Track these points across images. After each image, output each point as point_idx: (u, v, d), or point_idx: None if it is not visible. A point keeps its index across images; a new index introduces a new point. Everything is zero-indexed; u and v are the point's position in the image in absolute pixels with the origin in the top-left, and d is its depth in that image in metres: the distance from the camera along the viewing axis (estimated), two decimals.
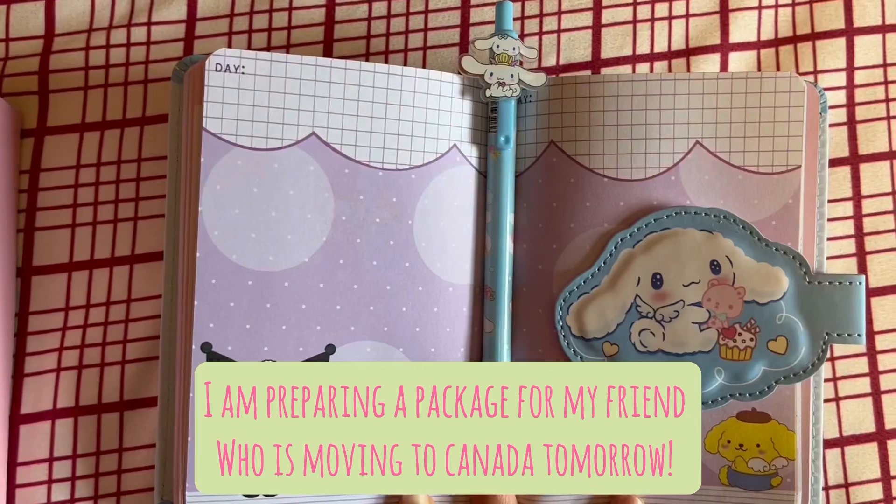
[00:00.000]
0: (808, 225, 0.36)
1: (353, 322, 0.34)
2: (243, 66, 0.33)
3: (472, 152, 0.36)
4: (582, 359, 0.35)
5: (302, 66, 0.34)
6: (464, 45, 0.41)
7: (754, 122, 0.36)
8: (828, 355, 0.36)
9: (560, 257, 0.36)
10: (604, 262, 0.36)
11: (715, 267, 0.35)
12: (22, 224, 0.39)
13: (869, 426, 0.39)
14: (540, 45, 0.42)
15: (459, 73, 0.35)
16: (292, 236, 0.34)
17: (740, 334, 0.35)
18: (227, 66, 0.33)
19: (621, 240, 0.36)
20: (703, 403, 0.35)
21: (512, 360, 0.36)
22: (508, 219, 0.36)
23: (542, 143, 0.36)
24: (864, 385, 0.40)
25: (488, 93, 0.35)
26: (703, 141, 0.36)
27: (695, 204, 0.35)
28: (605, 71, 0.41)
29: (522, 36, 0.42)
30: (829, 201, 0.40)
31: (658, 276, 0.35)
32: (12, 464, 0.38)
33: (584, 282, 0.36)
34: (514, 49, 0.36)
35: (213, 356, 0.33)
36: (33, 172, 0.40)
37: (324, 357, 0.34)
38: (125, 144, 0.40)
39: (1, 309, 0.37)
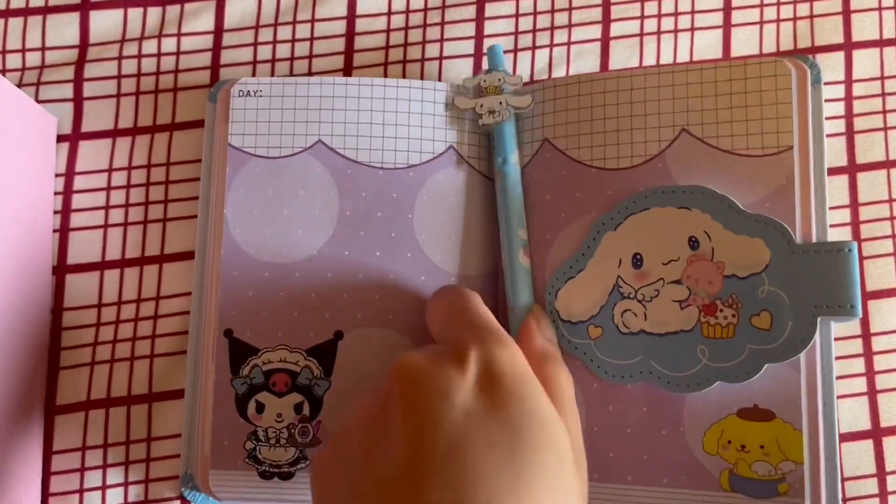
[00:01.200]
0: (805, 202, 0.35)
1: (359, 309, 0.37)
2: (261, 90, 0.38)
3: (467, 152, 0.39)
4: (570, 342, 0.36)
5: (309, 85, 0.38)
6: (478, 56, 0.43)
7: (741, 106, 0.35)
8: (818, 330, 0.33)
9: (553, 247, 0.37)
10: (588, 247, 0.36)
11: (693, 243, 0.35)
12: (57, 225, 0.41)
13: (865, 424, 0.41)
14: (550, 55, 0.43)
15: (453, 105, 0.39)
16: (302, 231, 0.37)
17: (721, 310, 0.34)
18: (248, 91, 0.38)
19: (603, 223, 0.36)
20: (686, 387, 0.34)
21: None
22: (518, 235, 0.37)
23: (538, 142, 0.38)
24: (860, 384, 0.41)
25: (481, 122, 0.38)
26: (689, 128, 0.36)
27: None
28: None
29: (533, 49, 0.44)
30: (829, 209, 0.42)
31: (638, 256, 0.35)
32: (48, 452, 0.40)
33: (571, 266, 0.36)
34: (499, 80, 0.39)
35: (234, 341, 0.37)
36: (68, 176, 0.42)
37: (333, 342, 0.37)
38: (155, 149, 0.42)
39: (37, 306, 0.39)
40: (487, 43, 0.43)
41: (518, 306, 0.37)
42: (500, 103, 0.38)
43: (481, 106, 0.38)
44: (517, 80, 0.39)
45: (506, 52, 0.43)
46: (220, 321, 0.36)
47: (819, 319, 0.33)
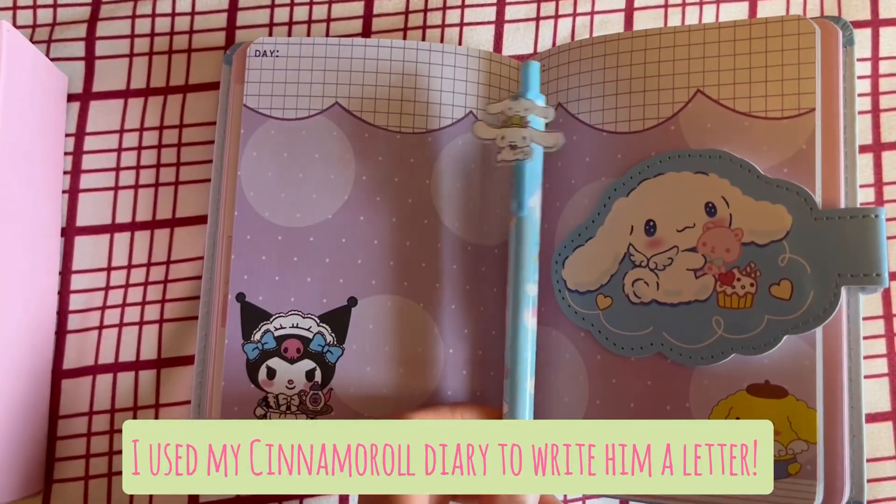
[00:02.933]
0: (828, 170, 0.33)
1: (373, 276, 0.36)
2: (277, 51, 0.37)
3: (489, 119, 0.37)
4: (576, 313, 0.35)
5: (327, 45, 0.37)
6: (499, 23, 0.42)
7: (760, 66, 0.34)
8: (846, 303, 0.32)
9: (562, 214, 0.36)
10: (598, 213, 0.35)
11: (710, 209, 0.33)
12: (67, 185, 0.40)
13: (885, 405, 0.40)
14: (573, 25, 0.43)
15: (473, 134, 0.35)
16: (317, 195, 0.36)
17: (739, 279, 0.32)
18: (265, 51, 0.37)
19: (615, 189, 0.35)
20: (700, 359, 0.33)
21: None
22: (527, 291, 0.33)
23: (551, 108, 0.37)
24: (881, 365, 0.41)
25: (499, 157, 0.34)
26: (704, 89, 0.34)
27: None
28: None
29: (556, 17, 0.43)
30: None
31: (651, 223, 0.34)
32: (54, 417, 0.39)
33: (579, 234, 0.35)
34: (525, 110, 0.34)
35: (246, 306, 0.36)
36: (78, 136, 0.41)
37: (346, 309, 0.36)
38: (168, 111, 0.41)
39: (45, 268, 0.39)
40: (509, 11, 0.42)
41: (517, 372, 0.33)
42: (524, 138, 0.34)
43: (502, 138, 0.34)
44: (548, 112, 0.34)
45: (528, 19, 0.43)
46: (232, 285, 0.36)
47: (844, 289, 0.32)
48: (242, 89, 0.37)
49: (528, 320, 0.33)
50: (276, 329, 0.36)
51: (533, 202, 0.34)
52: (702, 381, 0.33)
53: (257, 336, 0.36)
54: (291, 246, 0.36)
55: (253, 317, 0.36)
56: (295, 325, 0.36)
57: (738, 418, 0.32)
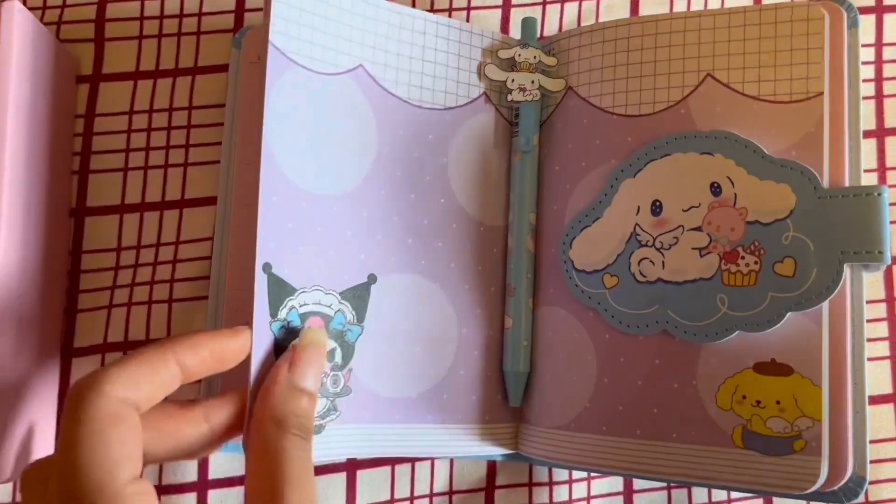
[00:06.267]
0: (834, 152, 0.33)
1: (392, 253, 0.36)
2: None
3: (498, 100, 0.38)
4: (583, 292, 0.35)
5: (356, 2, 0.35)
6: (506, 6, 0.43)
7: (770, 51, 0.34)
8: (849, 281, 0.32)
9: (572, 196, 0.37)
10: (605, 194, 0.36)
11: (715, 189, 0.34)
12: (76, 166, 0.41)
13: (887, 388, 0.41)
14: (580, 9, 0.43)
15: (482, 77, 0.38)
16: (342, 163, 0.35)
17: (743, 257, 0.33)
18: None
19: (622, 170, 0.35)
20: (704, 336, 0.33)
21: (533, 300, 0.37)
22: (528, 220, 0.37)
23: (562, 91, 0.38)
24: (883, 348, 0.41)
25: (510, 97, 0.38)
26: (714, 73, 0.35)
27: None
28: None
29: (563, 1, 0.43)
30: None
31: (657, 203, 0.35)
32: (64, 394, 0.39)
33: (587, 215, 0.36)
34: (535, 58, 0.38)
35: (273, 278, 0.32)
36: (88, 117, 0.41)
37: (366, 286, 0.35)
38: (177, 93, 0.41)
39: (55, 247, 0.39)
40: None
41: (520, 290, 0.37)
42: (532, 82, 0.38)
43: (513, 81, 0.38)
44: (553, 61, 0.38)
45: (535, 4, 0.43)
46: (259, 253, 0.31)
47: (847, 267, 0.32)
48: (268, 25, 0.32)
49: (529, 244, 0.37)
50: (301, 305, 0.33)
51: (535, 141, 0.38)
52: (709, 360, 0.33)
53: (283, 313, 0.32)
54: (316, 216, 0.33)
55: (280, 291, 0.32)
56: (318, 301, 0.33)
57: (744, 396, 0.32)
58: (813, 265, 0.32)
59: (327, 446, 0.33)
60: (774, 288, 0.32)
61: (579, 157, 0.37)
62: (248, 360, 0.31)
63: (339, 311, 0.34)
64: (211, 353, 0.29)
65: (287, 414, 0.29)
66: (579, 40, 0.38)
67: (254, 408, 0.30)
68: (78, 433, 0.26)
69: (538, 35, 0.40)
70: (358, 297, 0.35)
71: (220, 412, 0.30)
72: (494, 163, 0.38)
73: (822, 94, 0.33)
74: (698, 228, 0.34)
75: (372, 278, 0.35)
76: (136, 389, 0.27)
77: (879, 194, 0.32)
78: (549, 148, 0.38)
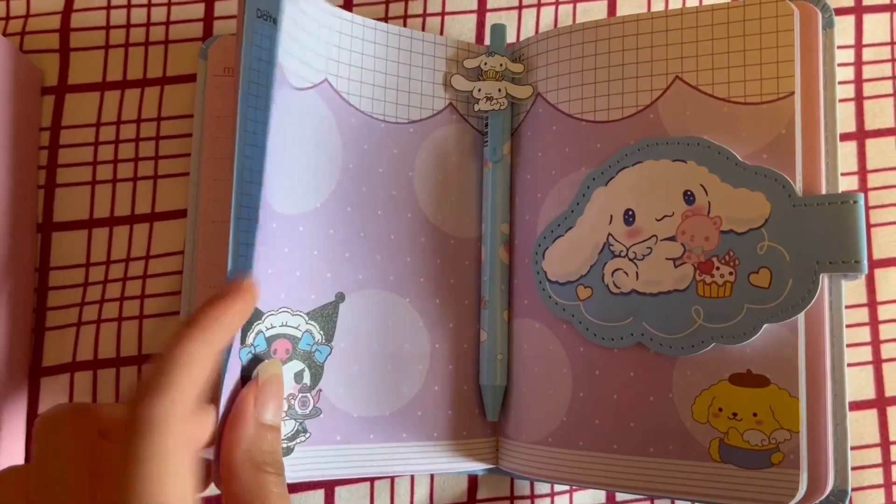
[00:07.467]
0: (808, 155, 0.32)
1: (360, 271, 0.35)
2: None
3: (466, 110, 0.38)
4: (557, 304, 0.35)
5: (321, 12, 0.34)
6: (481, 12, 0.42)
7: (739, 51, 0.33)
8: (828, 291, 0.32)
9: (544, 205, 0.36)
10: (577, 203, 0.35)
11: (689, 197, 0.33)
12: (42, 180, 0.40)
13: (869, 393, 0.40)
14: (556, 13, 0.42)
15: (448, 86, 0.37)
16: (308, 179, 0.34)
17: (718, 268, 0.32)
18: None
19: (593, 178, 0.35)
20: (680, 349, 0.32)
21: (508, 313, 0.37)
22: (501, 230, 0.37)
23: (531, 98, 0.37)
24: (866, 353, 0.41)
25: (477, 107, 0.37)
26: (682, 75, 0.34)
27: None
28: None
29: (539, 6, 0.42)
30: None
31: (630, 212, 0.34)
32: (32, 415, 0.38)
33: (559, 224, 0.35)
34: (501, 66, 0.37)
35: None
36: (54, 129, 0.40)
37: (334, 305, 0.34)
38: (145, 103, 0.40)
39: (22, 264, 0.38)
40: (491, 0, 0.42)
41: (495, 303, 0.36)
42: (500, 90, 0.37)
43: (479, 90, 0.37)
44: (519, 67, 0.37)
45: (510, 8, 0.42)
46: (231, 274, 0.30)
47: (825, 277, 0.31)
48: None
49: (503, 255, 0.37)
50: (267, 329, 0.32)
51: (506, 149, 0.37)
52: (684, 372, 0.33)
53: (250, 338, 0.31)
54: (284, 235, 0.32)
55: (249, 318, 0.30)
56: (284, 323, 0.32)
57: (720, 409, 0.32)
58: (788, 275, 0.31)
59: (297, 468, 0.33)
60: (750, 299, 0.32)
61: (549, 166, 0.36)
62: (217, 391, 0.29)
63: (306, 331, 0.33)
64: (230, 330, 0.28)
65: (262, 453, 0.28)
66: (546, 45, 0.37)
67: (223, 442, 0.29)
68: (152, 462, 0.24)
69: (514, 40, 0.39)
70: (326, 316, 0.34)
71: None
72: (464, 174, 0.37)
73: (793, 93, 0.32)
74: (672, 238, 0.33)
75: (340, 297, 0.35)
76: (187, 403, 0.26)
77: (855, 202, 0.31)
78: (520, 156, 0.37)
